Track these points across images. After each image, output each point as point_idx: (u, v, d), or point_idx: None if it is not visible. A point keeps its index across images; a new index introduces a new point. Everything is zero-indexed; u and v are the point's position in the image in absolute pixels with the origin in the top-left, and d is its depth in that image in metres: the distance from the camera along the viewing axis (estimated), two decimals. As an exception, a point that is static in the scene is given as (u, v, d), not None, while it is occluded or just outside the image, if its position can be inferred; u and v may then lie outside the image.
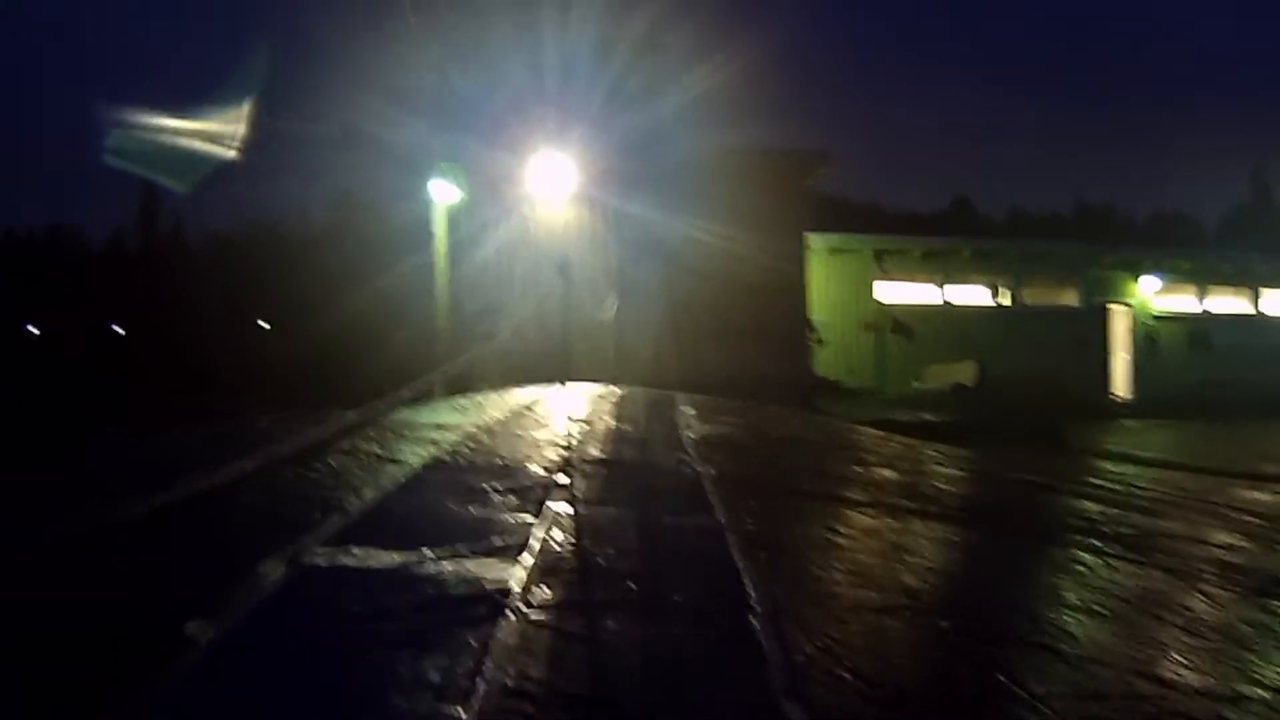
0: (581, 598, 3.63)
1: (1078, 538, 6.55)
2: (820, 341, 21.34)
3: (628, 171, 17.42)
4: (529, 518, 4.78)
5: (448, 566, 3.84)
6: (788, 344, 17.38)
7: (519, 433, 8.01)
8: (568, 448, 7.27)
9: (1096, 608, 4.77)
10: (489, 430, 8.10)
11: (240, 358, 27.08)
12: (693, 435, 8.58)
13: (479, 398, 11.78)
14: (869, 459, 8.97)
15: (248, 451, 5.89)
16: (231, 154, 15.51)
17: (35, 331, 39.83)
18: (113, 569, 3.88)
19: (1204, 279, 27.92)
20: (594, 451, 7.15)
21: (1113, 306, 26.80)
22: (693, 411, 10.35)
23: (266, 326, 35.56)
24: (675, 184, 17.31)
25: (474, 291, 17.50)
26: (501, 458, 6.63)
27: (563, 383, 13.15)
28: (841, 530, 5.48)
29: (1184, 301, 27.86)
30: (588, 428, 8.61)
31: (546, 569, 3.90)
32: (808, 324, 18.75)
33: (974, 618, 4.34)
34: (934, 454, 10.75)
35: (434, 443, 7.32)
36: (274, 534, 4.21)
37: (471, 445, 7.21)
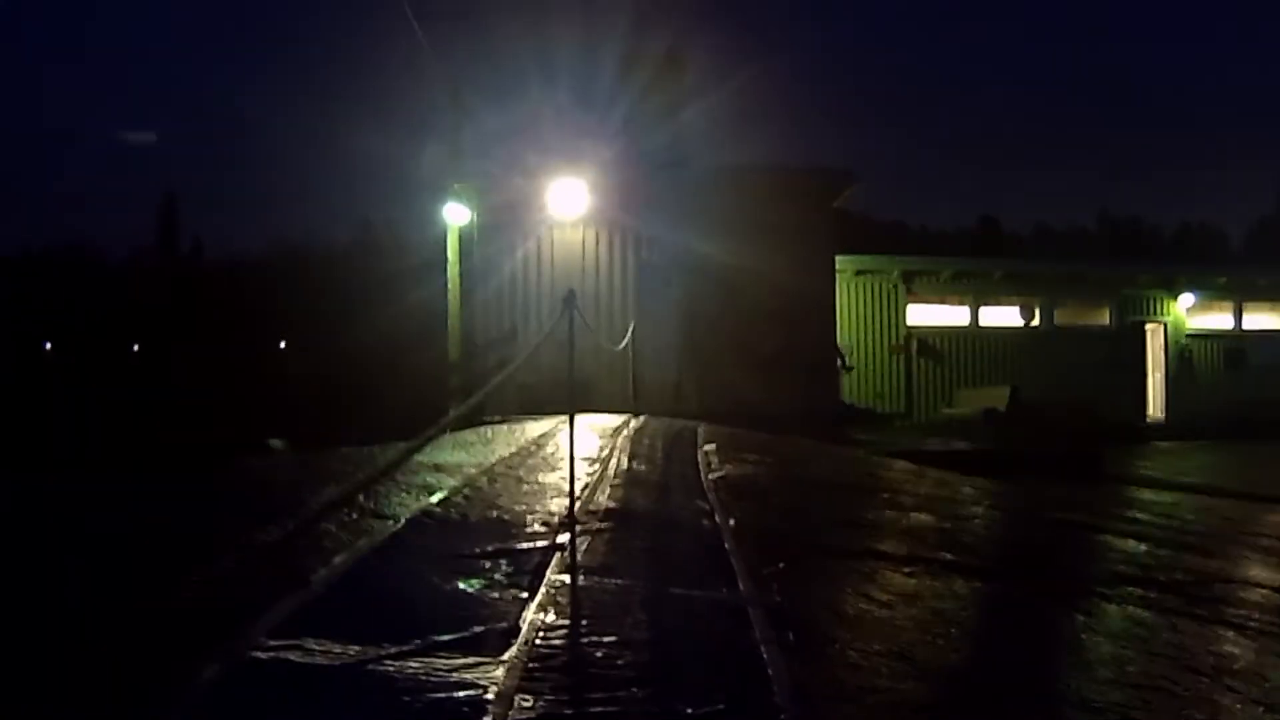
0: (573, 711, 2.99)
1: (1133, 590, 5.92)
2: (849, 369, 20.66)
3: (648, 192, 16.83)
4: (521, 593, 4.15)
5: (413, 666, 3.22)
6: (815, 371, 16.69)
7: (523, 477, 7.39)
8: (575, 496, 6.67)
9: (1165, 683, 4.14)
10: (490, 474, 7.49)
11: (248, 384, 26.56)
12: (713, 478, 7.94)
13: (488, 431, 11.20)
14: (903, 500, 8.32)
15: (216, 505, 5.30)
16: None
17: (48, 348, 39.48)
18: None
19: (1240, 295, 27.03)
20: (604, 500, 6.52)
21: (1147, 325, 25.99)
22: (713, 447, 9.72)
23: (284, 348, 35.08)
24: (697, 205, 16.68)
25: (488, 318, 16.93)
26: (499, 510, 6.01)
27: (572, 417, 12.55)
28: (879, 597, 4.84)
29: (1219, 319, 26.99)
30: (599, 470, 7.99)
31: (534, 669, 3.26)
32: (836, 350, 18.07)
33: (1032, 710, 3.71)
34: (971, 491, 10.08)
35: (428, 489, 6.71)
36: (218, 617, 3.60)
37: (469, 493, 6.60)
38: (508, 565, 4.62)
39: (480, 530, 5.43)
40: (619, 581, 4.43)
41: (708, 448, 9.57)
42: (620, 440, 10.00)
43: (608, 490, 6.96)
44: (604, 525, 5.67)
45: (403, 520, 5.62)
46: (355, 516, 5.70)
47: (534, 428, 11.71)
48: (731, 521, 6.03)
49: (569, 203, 16.62)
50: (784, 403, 15.93)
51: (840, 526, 6.86)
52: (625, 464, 8.47)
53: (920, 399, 23.54)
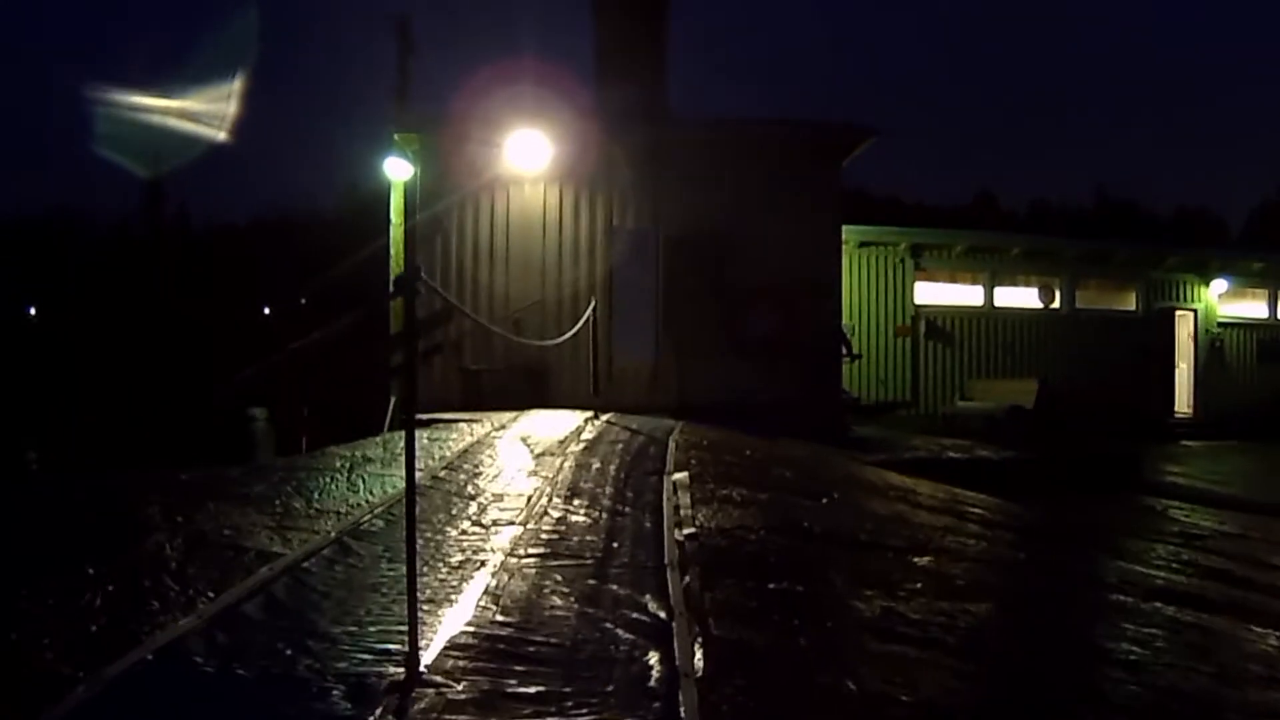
0: None
1: None
2: (855, 358, 18.09)
3: (623, 147, 14.25)
4: None
5: None
6: (815, 358, 14.13)
7: (383, 553, 4.90)
8: (450, 592, 4.22)
9: None
10: (327, 558, 5.01)
11: (206, 362, 24.26)
12: (682, 536, 5.47)
13: (392, 442, 8.71)
14: (956, 579, 5.86)
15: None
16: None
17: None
18: None
19: (1276, 283, 24.63)
20: (497, 607, 4.06)
21: (1176, 312, 23.55)
22: (687, 475, 7.24)
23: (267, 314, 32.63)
24: (681, 163, 14.13)
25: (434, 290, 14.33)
26: (276, 662, 3.53)
27: (514, 417, 10.09)
28: None
29: (1253, 307, 24.58)
30: (516, 520, 5.54)
31: None
32: (841, 335, 15.52)
33: None
34: (1010, 534, 7.69)
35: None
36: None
37: (281, 596, 4.12)
38: None
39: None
40: None
41: (679, 477, 7.08)
42: (563, 464, 7.52)
43: (512, 578, 4.50)
44: (463, 689, 3.21)
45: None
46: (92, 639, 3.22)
47: (466, 434, 9.24)
48: (701, 662, 3.56)
49: (529, 156, 14.04)
50: (777, 394, 13.47)
51: (856, 631, 4.37)
52: (559, 506, 6.01)
53: (928, 387, 21.03)
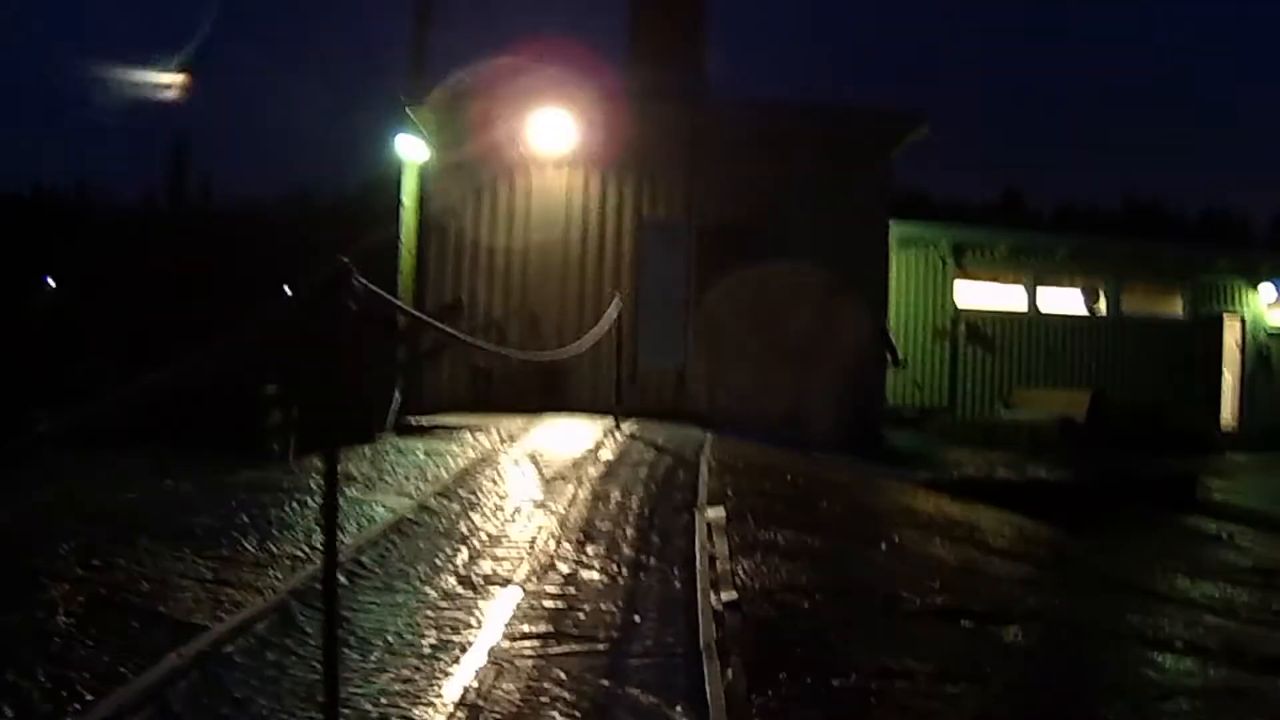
0: None
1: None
2: (901, 364, 16.85)
3: (654, 130, 13.10)
4: None
5: None
6: (858, 364, 12.89)
7: (341, 627, 3.82)
8: (413, 702, 3.14)
9: None
10: (261, 636, 3.93)
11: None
12: (720, 605, 4.38)
13: (385, 453, 7.65)
14: (1022, 641, 4.76)
15: None
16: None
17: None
18: None
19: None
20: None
21: (1225, 318, 22.22)
22: (724, 511, 6.12)
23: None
24: (716, 149, 13.00)
25: (443, 279, 13.23)
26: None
27: (525, 426, 8.95)
28: None
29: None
30: (514, 578, 4.46)
31: None
32: (886, 339, 14.29)
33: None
34: (1094, 585, 6.58)
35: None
36: None
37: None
38: None
39: None
40: None
41: (714, 515, 5.97)
42: (577, 492, 6.43)
43: (494, 674, 3.41)
44: None
45: None
46: None
47: (464, 447, 8.16)
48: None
49: (553, 138, 12.94)
50: (815, 403, 12.33)
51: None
52: (567, 564, 4.91)
53: (967, 394, 19.83)
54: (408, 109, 13.32)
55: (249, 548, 4.80)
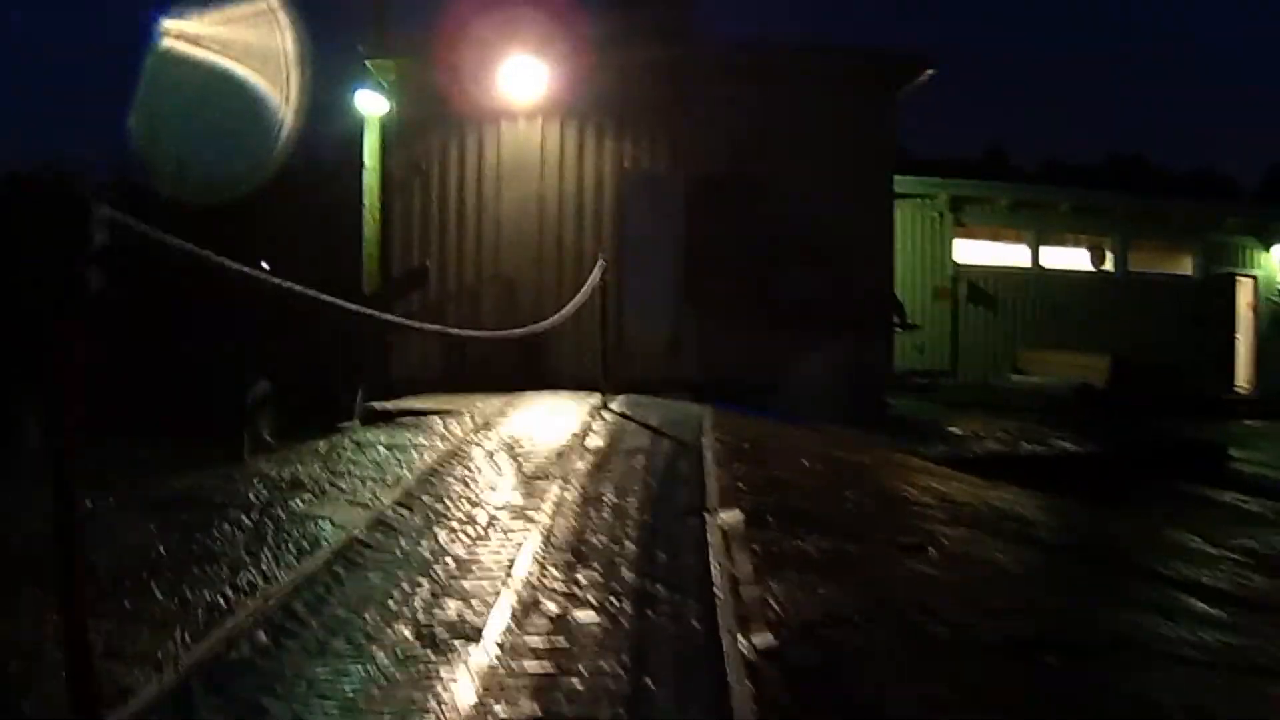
0: None
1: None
2: (910, 327, 15.81)
3: (637, 78, 11.99)
4: None
5: None
6: (863, 328, 11.86)
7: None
8: None
9: None
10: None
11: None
12: (751, 647, 3.39)
13: (341, 449, 6.61)
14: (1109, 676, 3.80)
15: None
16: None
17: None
18: None
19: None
20: None
21: (1237, 278, 21.34)
22: (740, 513, 5.11)
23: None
24: (706, 97, 11.91)
25: (409, 242, 12.12)
26: None
27: (502, 408, 7.88)
28: None
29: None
30: (484, 628, 3.45)
31: None
32: (893, 301, 13.25)
33: None
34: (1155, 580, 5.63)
35: None
36: None
37: None
38: None
39: None
40: None
41: (729, 519, 4.95)
42: (563, 494, 5.39)
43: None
44: None
45: None
46: None
47: (432, 438, 7.11)
48: None
49: (524, 86, 11.80)
50: (817, 369, 11.29)
51: None
52: (554, 600, 3.89)
53: (970, 356, 18.88)
54: (367, 61, 12.20)
55: (155, 596, 3.76)
